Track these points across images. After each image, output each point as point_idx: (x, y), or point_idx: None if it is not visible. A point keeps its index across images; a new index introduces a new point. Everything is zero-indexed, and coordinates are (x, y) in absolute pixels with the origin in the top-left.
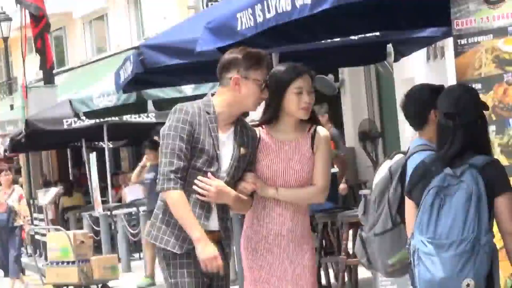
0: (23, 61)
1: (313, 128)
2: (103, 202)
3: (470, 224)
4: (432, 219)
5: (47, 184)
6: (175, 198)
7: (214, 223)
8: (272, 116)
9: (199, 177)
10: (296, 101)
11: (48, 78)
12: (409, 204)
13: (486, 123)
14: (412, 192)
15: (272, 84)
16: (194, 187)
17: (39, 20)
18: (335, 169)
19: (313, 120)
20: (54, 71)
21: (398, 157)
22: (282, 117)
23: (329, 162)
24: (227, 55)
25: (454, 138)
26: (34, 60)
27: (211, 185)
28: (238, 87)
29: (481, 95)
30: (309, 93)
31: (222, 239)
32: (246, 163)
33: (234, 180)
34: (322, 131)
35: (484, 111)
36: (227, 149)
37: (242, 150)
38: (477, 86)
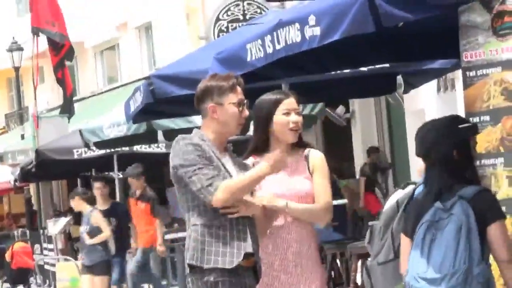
0: (35, 90)
1: (306, 151)
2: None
3: (461, 255)
4: (423, 255)
5: (57, 214)
6: (226, 186)
7: (249, 246)
8: (259, 143)
9: None
10: (284, 121)
11: (68, 107)
12: (404, 240)
13: (467, 152)
14: (407, 229)
15: (258, 110)
16: (222, 210)
17: (59, 48)
18: (343, 200)
19: (303, 144)
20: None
21: (410, 187)
22: (272, 145)
23: (328, 181)
24: (200, 86)
25: (430, 177)
26: (45, 89)
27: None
28: (216, 114)
29: (489, 127)
30: (297, 114)
31: (257, 263)
32: None
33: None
34: (316, 153)
35: (464, 141)
36: (231, 169)
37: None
38: (486, 118)
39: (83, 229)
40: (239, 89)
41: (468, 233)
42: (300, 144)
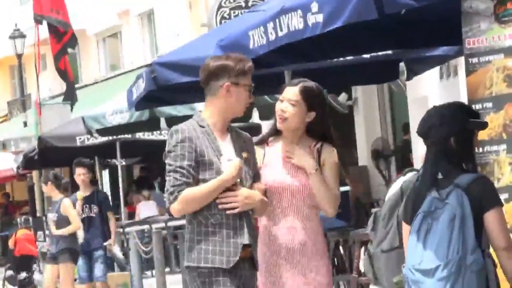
0: (37, 78)
1: (319, 144)
2: (116, 219)
3: (455, 245)
4: (418, 245)
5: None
6: (185, 194)
7: (246, 237)
8: (273, 132)
9: (220, 195)
10: (276, 108)
11: (72, 94)
12: (406, 228)
13: (466, 142)
14: (407, 216)
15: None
16: (220, 206)
17: (61, 35)
18: (346, 187)
19: (323, 137)
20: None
21: (411, 174)
22: (283, 133)
23: (338, 175)
24: (214, 63)
25: (427, 159)
26: (47, 76)
27: (236, 195)
28: (229, 94)
29: (491, 114)
30: (291, 104)
31: (253, 253)
32: (251, 168)
33: (247, 183)
34: (329, 148)
35: (469, 130)
36: (230, 156)
37: (244, 154)
38: (488, 105)
39: (51, 216)
40: (251, 73)
41: (462, 222)
42: (314, 135)
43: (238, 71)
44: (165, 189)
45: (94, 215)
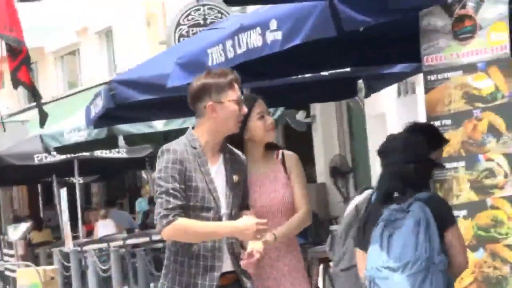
0: None
1: (280, 153)
2: (74, 237)
3: (422, 245)
4: (383, 248)
5: (17, 220)
6: (179, 224)
7: (227, 264)
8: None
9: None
10: (261, 125)
11: (43, 114)
12: (359, 254)
13: (427, 170)
14: (361, 241)
15: None
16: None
17: (16, 53)
18: None
19: (273, 146)
20: (25, 107)
21: (367, 192)
22: (247, 149)
23: (305, 183)
24: (195, 84)
25: (383, 178)
26: (4, 94)
27: (248, 229)
28: (215, 113)
29: (450, 131)
30: (268, 114)
31: (240, 277)
32: (241, 190)
33: (235, 209)
34: (290, 154)
35: (431, 160)
36: (220, 180)
37: (235, 178)
38: (447, 122)
39: None
40: (236, 85)
41: (427, 227)
42: (270, 145)
43: (219, 87)
44: (156, 211)
45: None
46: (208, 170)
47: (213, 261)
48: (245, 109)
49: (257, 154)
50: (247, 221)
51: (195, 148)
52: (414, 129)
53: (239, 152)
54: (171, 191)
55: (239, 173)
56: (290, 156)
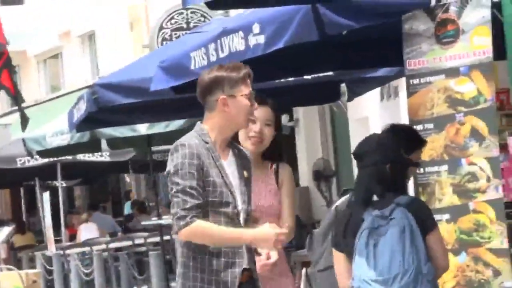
0: None
1: (275, 165)
2: (56, 241)
3: (409, 255)
4: (370, 259)
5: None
6: (198, 227)
7: (245, 262)
8: None
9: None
10: (244, 131)
11: (24, 118)
12: (337, 256)
13: (402, 170)
14: (338, 242)
15: None
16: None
17: None
18: None
19: (276, 157)
20: (7, 110)
21: (348, 195)
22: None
23: (294, 198)
24: (206, 76)
25: (359, 179)
26: None
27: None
28: (227, 108)
29: (433, 135)
30: (264, 125)
31: (255, 274)
32: (250, 186)
33: (251, 206)
34: (286, 167)
35: (405, 160)
36: (232, 176)
37: (245, 173)
38: (430, 126)
39: None
40: (248, 80)
41: (412, 234)
42: (270, 157)
43: (232, 81)
44: (173, 211)
45: None
46: (222, 164)
47: (234, 257)
48: (256, 105)
49: (252, 157)
50: (268, 231)
51: (207, 142)
52: (390, 130)
53: (244, 150)
54: (188, 189)
55: (247, 169)
56: (284, 168)
